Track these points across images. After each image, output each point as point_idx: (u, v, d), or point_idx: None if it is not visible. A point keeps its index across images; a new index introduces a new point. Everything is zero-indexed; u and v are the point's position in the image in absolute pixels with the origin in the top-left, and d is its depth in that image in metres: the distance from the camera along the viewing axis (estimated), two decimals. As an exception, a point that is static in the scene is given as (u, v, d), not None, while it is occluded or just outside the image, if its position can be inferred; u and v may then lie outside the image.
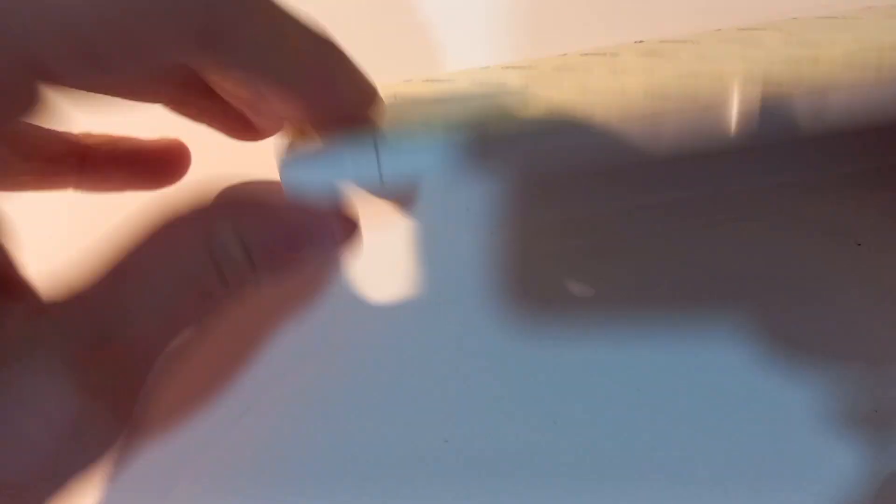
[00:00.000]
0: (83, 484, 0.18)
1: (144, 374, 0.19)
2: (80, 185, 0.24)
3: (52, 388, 0.16)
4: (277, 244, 0.20)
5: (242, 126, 0.24)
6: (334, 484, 0.27)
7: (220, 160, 0.24)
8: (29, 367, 0.16)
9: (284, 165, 0.21)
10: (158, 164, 0.25)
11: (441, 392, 0.29)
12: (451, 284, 0.29)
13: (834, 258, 0.30)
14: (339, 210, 0.21)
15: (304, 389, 0.29)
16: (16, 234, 0.19)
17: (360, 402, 0.28)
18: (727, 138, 0.21)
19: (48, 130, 0.23)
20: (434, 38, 0.32)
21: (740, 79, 0.21)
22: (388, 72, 0.25)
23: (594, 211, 0.30)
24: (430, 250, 0.29)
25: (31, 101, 0.16)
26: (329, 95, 0.20)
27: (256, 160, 0.23)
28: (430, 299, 0.29)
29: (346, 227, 0.22)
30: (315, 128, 0.21)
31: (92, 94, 0.19)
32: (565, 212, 0.30)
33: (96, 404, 0.17)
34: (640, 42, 0.25)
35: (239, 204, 0.20)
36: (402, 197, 0.28)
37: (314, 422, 0.28)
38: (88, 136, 0.24)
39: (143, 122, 0.30)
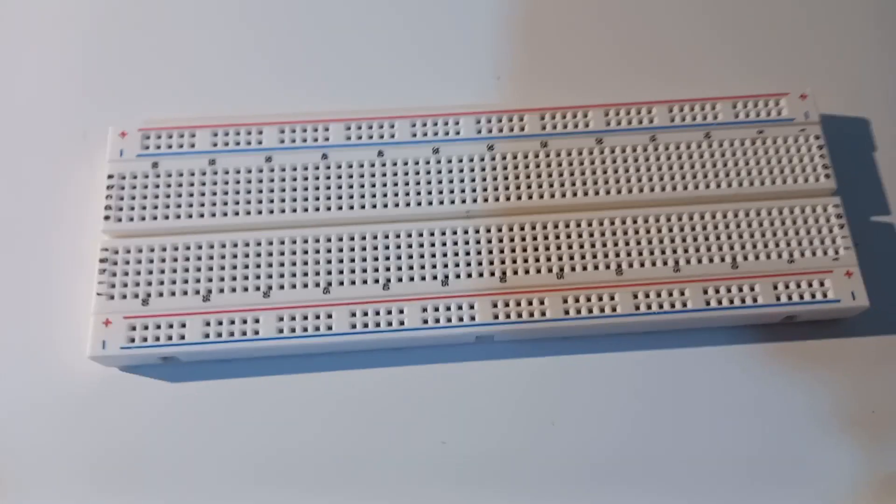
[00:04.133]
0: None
1: None
2: None
3: None
4: None
5: None
6: (336, 484, 0.27)
7: None
8: None
9: None
10: None
11: (438, 395, 0.29)
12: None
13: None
14: None
15: (308, 393, 0.29)
16: None
17: (361, 405, 0.29)
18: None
19: None
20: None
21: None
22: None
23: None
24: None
25: None
26: None
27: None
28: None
29: None
30: None
31: None
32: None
33: None
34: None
35: None
36: None
37: (316, 424, 0.28)
38: None
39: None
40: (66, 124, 0.33)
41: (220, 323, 0.28)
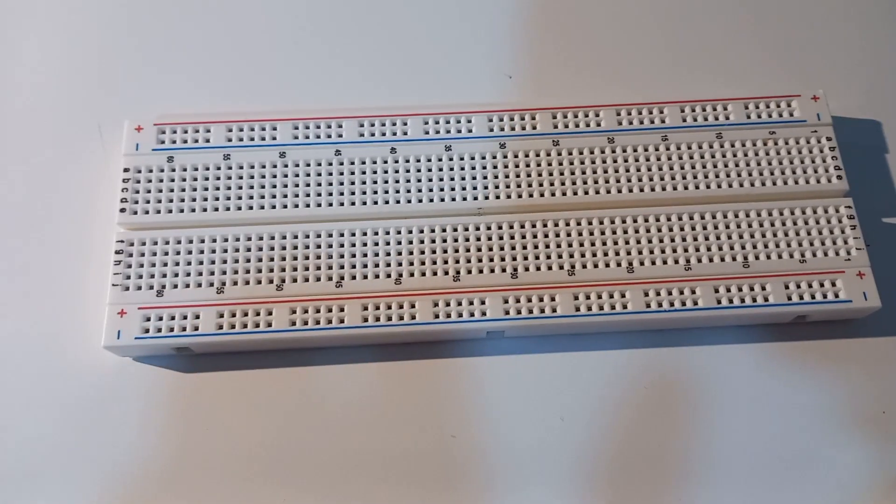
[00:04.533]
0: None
1: None
2: None
3: None
4: None
5: None
6: (347, 476, 0.27)
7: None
8: None
9: None
10: None
11: (449, 389, 0.29)
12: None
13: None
14: None
15: (319, 386, 0.29)
16: None
17: (372, 398, 0.29)
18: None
19: None
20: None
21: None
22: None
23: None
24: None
25: None
26: None
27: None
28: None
29: None
30: None
31: None
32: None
33: None
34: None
35: None
36: None
37: (328, 416, 0.28)
38: None
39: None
40: (81, 118, 0.33)
41: (234, 315, 0.28)
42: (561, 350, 0.29)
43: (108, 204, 0.30)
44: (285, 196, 0.30)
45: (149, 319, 0.28)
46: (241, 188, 0.30)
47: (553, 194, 0.30)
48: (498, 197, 0.30)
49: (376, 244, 0.29)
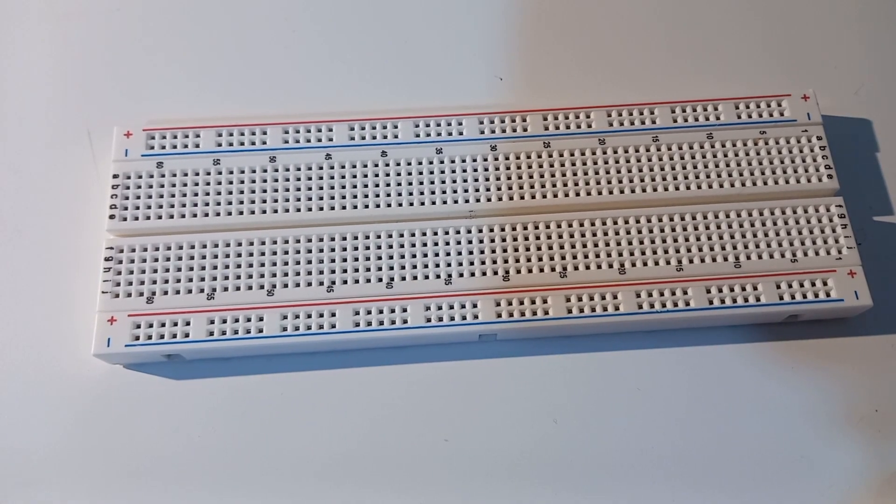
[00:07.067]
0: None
1: None
2: None
3: None
4: None
5: None
6: (339, 481, 0.27)
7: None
8: None
9: None
10: None
11: (441, 393, 0.29)
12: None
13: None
14: None
15: (311, 391, 0.29)
16: None
17: (364, 403, 0.29)
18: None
19: None
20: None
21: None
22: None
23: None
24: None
25: None
26: None
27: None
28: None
29: None
30: None
31: None
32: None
33: None
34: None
35: None
36: None
37: (320, 421, 0.28)
38: None
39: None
40: (70, 124, 0.33)
41: (225, 321, 0.28)
42: (553, 352, 0.29)
43: (98, 210, 0.30)
44: (275, 201, 0.30)
45: (139, 327, 0.27)
46: (230, 193, 0.30)
47: (544, 196, 0.30)
48: (489, 199, 0.30)
49: (367, 248, 0.29)
